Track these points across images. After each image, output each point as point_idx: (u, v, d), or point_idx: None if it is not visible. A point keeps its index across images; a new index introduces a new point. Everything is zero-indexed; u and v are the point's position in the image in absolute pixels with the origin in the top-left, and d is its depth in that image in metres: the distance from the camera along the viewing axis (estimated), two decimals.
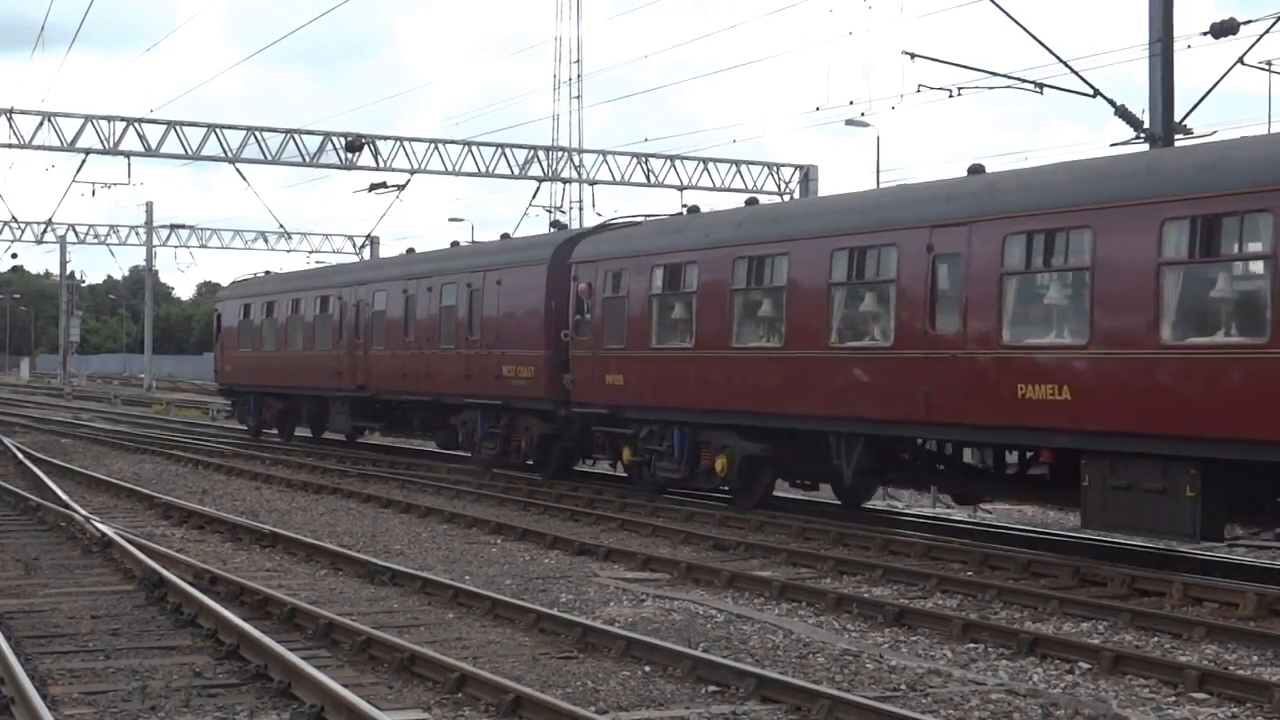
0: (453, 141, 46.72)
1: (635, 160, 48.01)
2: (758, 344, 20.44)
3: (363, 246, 76.21)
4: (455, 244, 34.76)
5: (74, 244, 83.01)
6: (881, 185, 40.06)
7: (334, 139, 44.79)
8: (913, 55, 26.28)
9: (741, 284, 20.69)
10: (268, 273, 43.44)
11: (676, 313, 22.26)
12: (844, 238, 18.94)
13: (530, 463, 26.68)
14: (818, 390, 19.07)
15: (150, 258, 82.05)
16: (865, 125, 46.25)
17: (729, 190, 48.66)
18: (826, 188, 46.97)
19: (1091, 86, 23.75)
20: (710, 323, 21.18)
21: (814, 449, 19.78)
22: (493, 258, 28.06)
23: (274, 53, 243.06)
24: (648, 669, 10.86)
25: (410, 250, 35.28)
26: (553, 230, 28.46)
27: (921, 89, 26.67)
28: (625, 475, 24.57)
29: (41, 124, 41.91)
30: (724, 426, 21.02)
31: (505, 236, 33.34)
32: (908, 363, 17.66)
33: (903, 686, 10.52)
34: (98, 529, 17.70)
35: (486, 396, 27.07)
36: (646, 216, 25.81)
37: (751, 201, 24.22)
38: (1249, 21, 22.31)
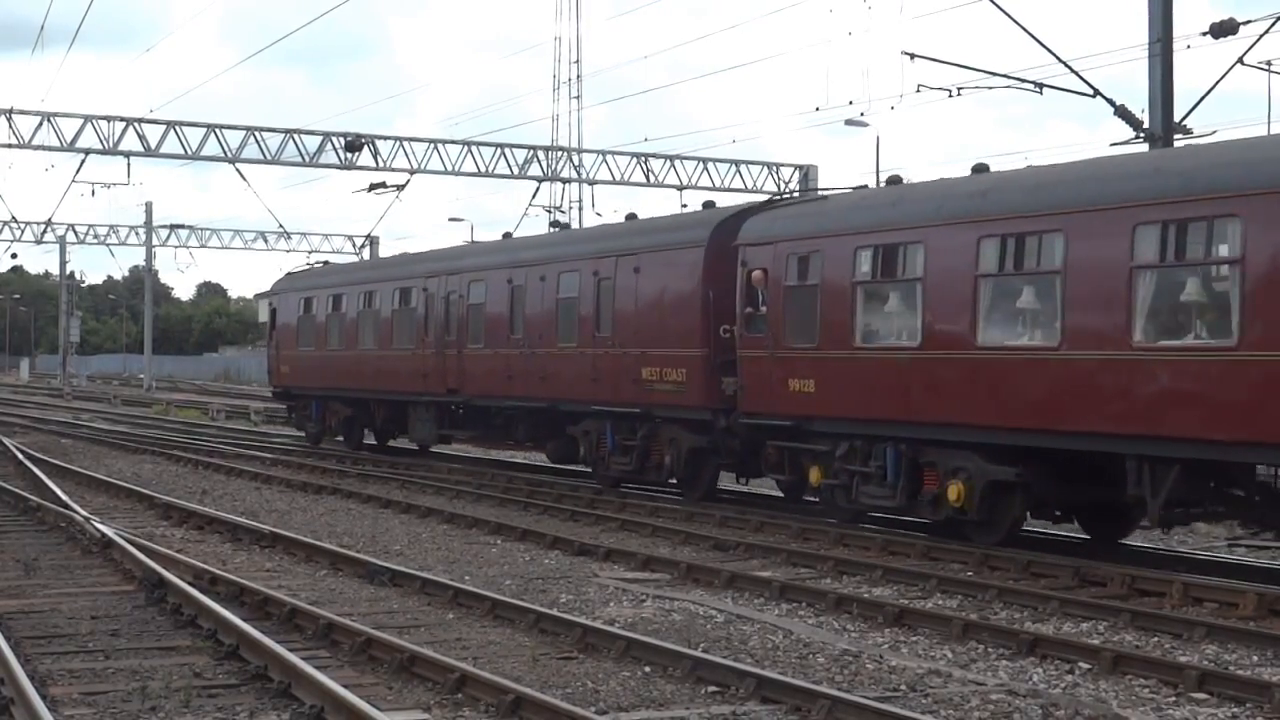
0: (452, 141, 46.74)
1: (635, 160, 48.01)
2: (1016, 342, 16.74)
3: (362, 246, 76.18)
4: (508, 234, 32.20)
5: (74, 244, 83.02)
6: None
7: (334, 139, 44.79)
8: (912, 55, 26.30)
9: (992, 268, 16.87)
10: (325, 263, 39.77)
11: (892, 304, 18.51)
12: (1154, 208, 15.09)
13: (673, 481, 22.98)
14: (1113, 402, 15.30)
15: (150, 258, 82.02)
16: (865, 125, 46.24)
17: (729, 190, 48.66)
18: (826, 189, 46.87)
19: (1091, 86, 23.77)
20: (945, 316, 17.42)
21: (1091, 475, 16.46)
22: (630, 240, 23.99)
23: (269, 53, 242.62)
24: (648, 669, 10.86)
25: (506, 235, 31.85)
26: (701, 209, 23.88)
27: (921, 89, 26.68)
28: (809, 499, 21.18)
29: (41, 124, 41.90)
30: (960, 445, 17.32)
31: (507, 235, 32.46)
32: (1262, 367, 14.01)
33: (903, 687, 10.52)
34: (98, 529, 17.70)
35: (619, 403, 23.28)
36: (822, 191, 22.21)
37: (894, 180, 20.46)
38: (1249, 21, 22.33)
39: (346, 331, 33.49)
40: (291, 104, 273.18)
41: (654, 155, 48.14)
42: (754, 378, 20.37)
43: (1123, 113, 23.37)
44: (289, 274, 39.30)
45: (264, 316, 44.12)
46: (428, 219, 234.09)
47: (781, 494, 22.52)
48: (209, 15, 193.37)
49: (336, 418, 34.69)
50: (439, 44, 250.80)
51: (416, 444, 32.62)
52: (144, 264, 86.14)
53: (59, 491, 22.56)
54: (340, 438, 34.84)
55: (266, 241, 77.52)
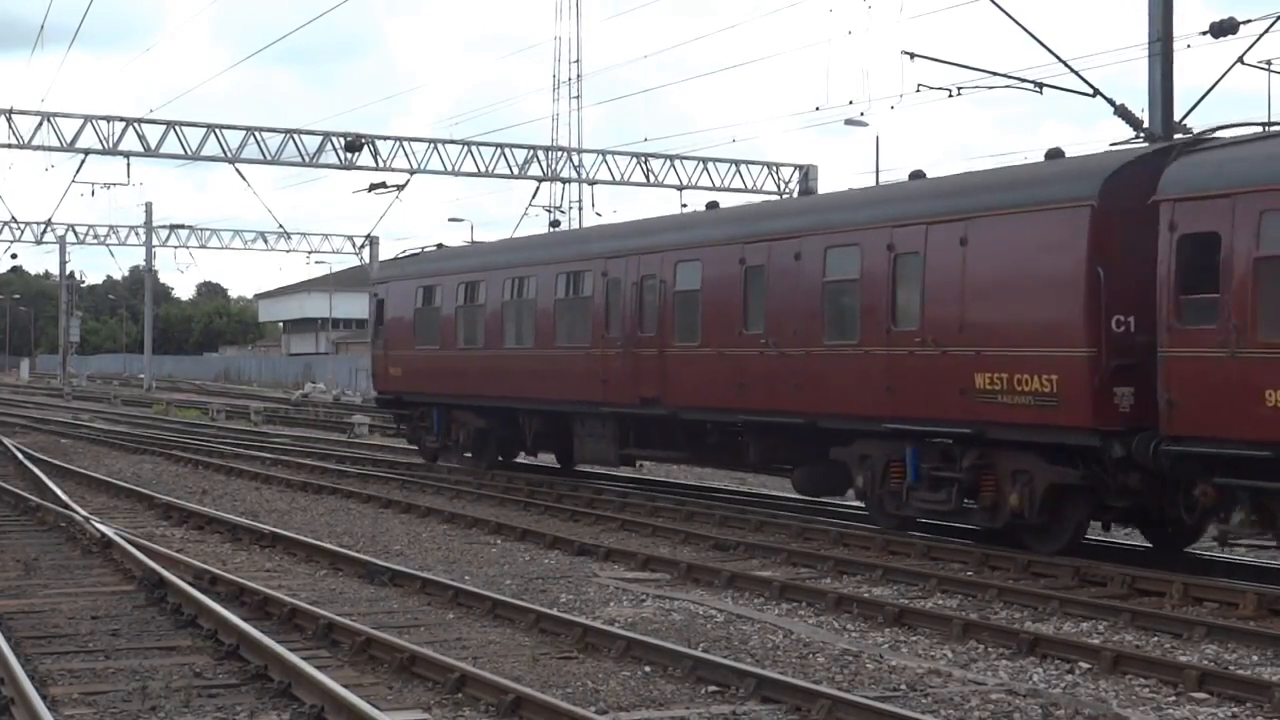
0: (452, 141, 46.73)
1: (635, 160, 48.01)
2: None
3: (362, 246, 76.26)
4: (713, 204, 25.37)
5: (73, 244, 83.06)
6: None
7: (333, 139, 44.79)
8: (912, 55, 26.27)
9: None
10: (439, 246, 33.13)
11: None
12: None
13: (1020, 522, 16.90)
14: None
15: (150, 258, 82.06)
16: (864, 125, 46.23)
17: (729, 190, 48.66)
18: (826, 188, 46.92)
19: (1091, 86, 23.74)
20: None
21: None
22: (952, 201, 18.10)
23: (263, 52, 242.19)
24: (648, 669, 10.87)
25: (711, 206, 25.03)
26: (1045, 158, 17.77)
27: (921, 89, 26.66)
28: None
29: (41, 124, 41.89)
30: None
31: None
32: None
33: (903, 686, 10.52)
34: (98, 529, 17.70)
35: (933, 420, 17.60)
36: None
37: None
38: (1249, 21, 22.31)
39: (485, 326, 27.59)
40: (287, 104, 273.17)
41: (654, 155, 48.14)
42: (1194, 387, 14.78)
43: (1123, 112, 23.35)
44: (400, 258, 33.04)
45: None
46: (426, 219, 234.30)
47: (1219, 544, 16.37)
48: (202, 16, 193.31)
49: (465, 430, 28.76)
50: (434, 44, 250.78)
51: (585, 463, 26.55)
52: (144, 264, 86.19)
53: (59, 491, 22.56)
54: (469, 454, 28.98)
55: (266, 241, 77.56)
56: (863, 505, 19.46)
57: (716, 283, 21.38)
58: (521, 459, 29.33)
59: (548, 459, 29.23)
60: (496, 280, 27.36)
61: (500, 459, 28.65)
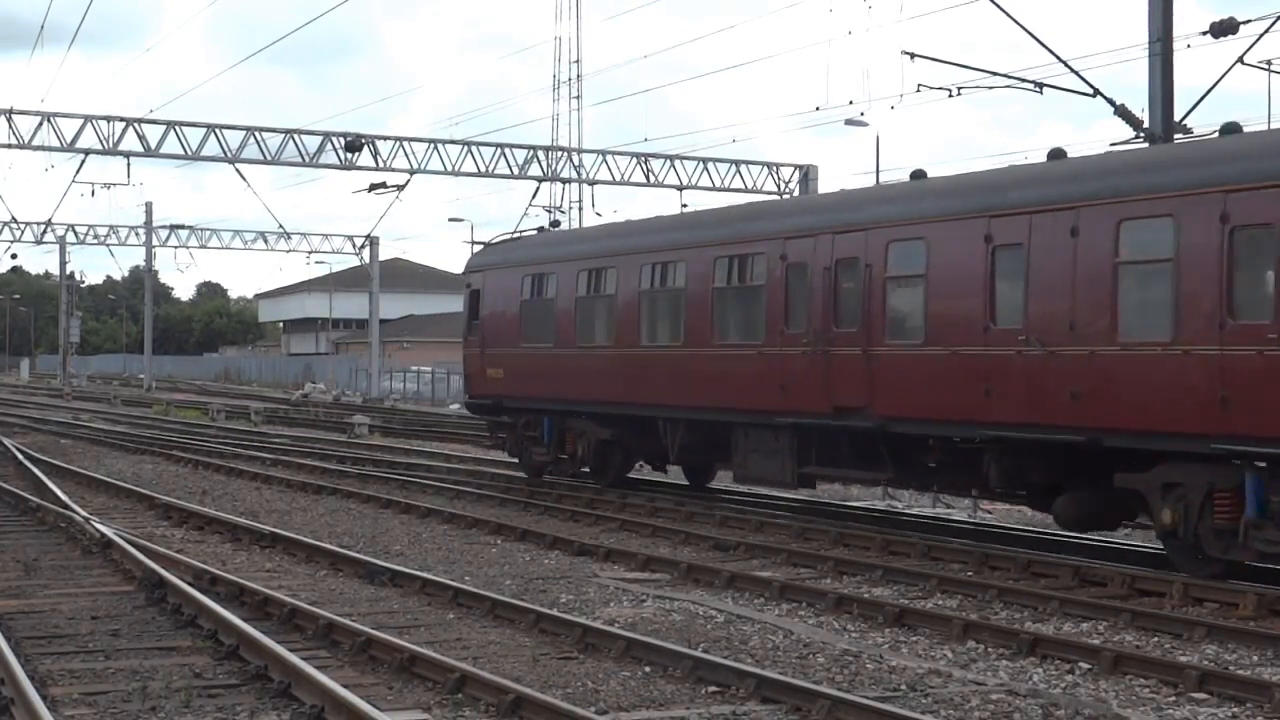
0: (452, 141, 46.74)
1: (635, 160, 48.01)
2: None
3: (362, 247, 76.28)
4: (918, 173, 19.90)
5: (74, 244, 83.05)
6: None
7: (334, 139, 44.80)
8: (912, 55, 26.28)
9: None
10: (546, 227, 29.25)
11: None
12: None
13: None
14: None
15: (150, 258, 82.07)
16: (864, 125, 46.24)
17: (729, 190, 48.67)
18: (826, 188, 46.93)
19: (1091, 86, 23.75)
20: None
21: None
22: None
23: (261, 53, 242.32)
24: (648, 669, 10.87)
25: (917, 175, 19.76)
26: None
27: (921, 89, 26.67)
28: None
29: (41, 124, 41.90)
30: None
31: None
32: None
33: (903, 687, 10.52)
34: (97, 530, 17.70)
35: None
36: None
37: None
38: (1248, 21, 22.31)
39: (616, 321, 23.55)
40: (286, 105, 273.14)
41: (654, 155, 48.15)
42: None
43: (1123, 112, 23.36)
44: (500, 242, 28.83)
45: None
46: (424, 219, 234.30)
47: None
48: (199, 16, 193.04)
49: (584, 441, 24.73)
50: (432, 45, 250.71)
51: (746, 482, 22.27)
52: (144, 264, 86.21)
53: (59, 492, 22.56)
54: (586, 468, 25.14)
55: (266, 242, 77.55)
56: (1162, 545, 15.79)
57: (949, 266, 17.49)
58: (640, 474, 26.23)
59: (655, 472, 26.44)
60: (631, 266, 23.31)
61: (619, 469, 24.94)
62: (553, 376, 25.07)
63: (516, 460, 26.98)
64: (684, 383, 21.89)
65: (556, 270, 25.35)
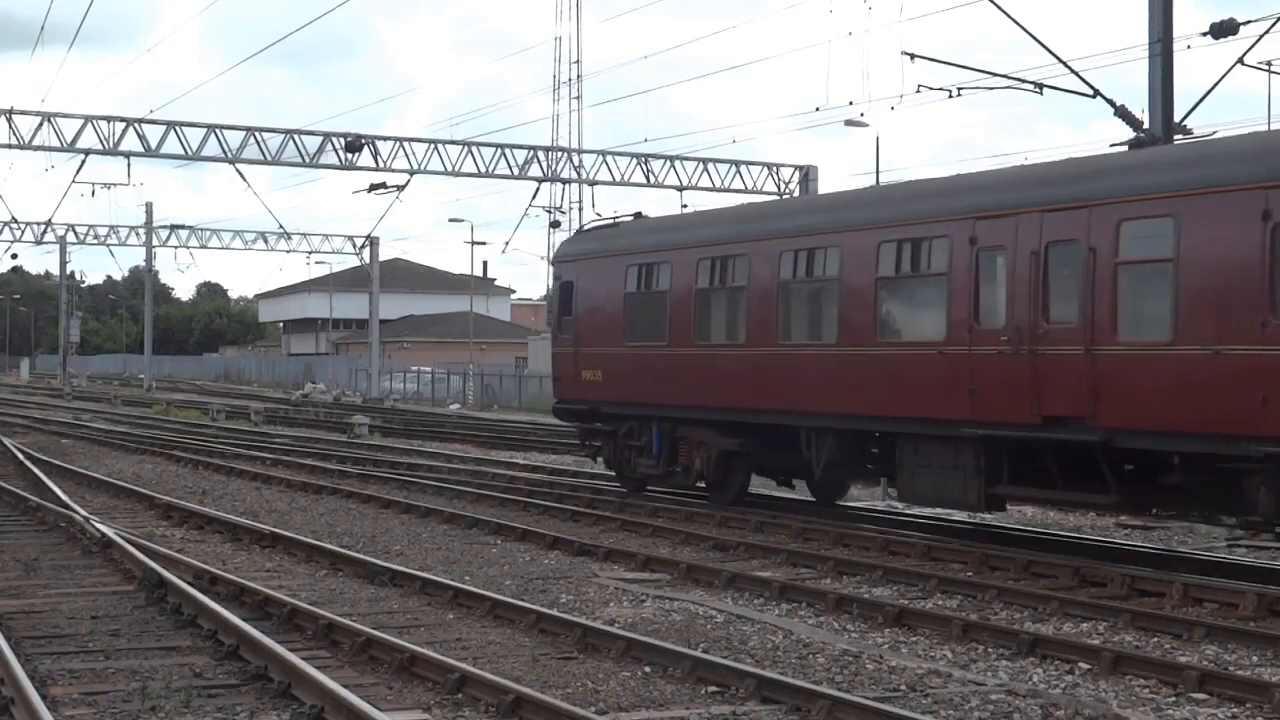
0: (453, 142, 46.73)
1: (635, 160, 48.01)
2: None
3: (362, 247, 76.30)
4: (1138, 140, 18.96)
5: (74, 245, 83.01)
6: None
7: (334, 139, 44.81)
8: (912, 56, 26.26)
9: None
10: (643, 213, 25.61)
11: None
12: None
13: None
14: None
15: (150, 258, 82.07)
16: (864, 125, 46.25)
17: (729, 190, 48.68)
18: (825, 189, 46.95)
19: (1091, 87, 23.74)
20: None
21: None
22: None
23: (258, 54, 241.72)
24: (648, 669, 10.87)
25: (1138, 143, 18.27)
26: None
27: (921, 89, 26.65)
28: None
29: (41, 124, 41.88)
30: None
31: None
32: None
33: (903, 687, 10.52)
34: (98, 529, 17.71)
35: None
36: None
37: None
38: (1249, 21, 22.31)
39: (748, 316, 20.86)
40: (282, 105, 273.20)
41: (654, 155, 48.15)
42: None
43: (1123, 113, 23.36)
44: (597, 228, 25.75)
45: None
46: (424, 220, 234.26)
47: None
48: (196, 17, 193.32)
49: (702, 452, 21.93)
50: (430, 45, 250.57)
51: (916, 502, 19.25)
52: (144, 264, 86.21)
53: (59, 492, 22.56)
54: (702, 482, 22.42)
55: (266, 242, 77.54)
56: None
57: (1209, 248, 14.80)
58: (758, 488, 23.54)
59: (758, 483, 23.49)
60: (767, 254, 20.54)
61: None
62: (665, 379, 22.37)
63: (613, 472, 24.39)
64: (835, 387, 19.16)
65: (671, 259, 22.48)
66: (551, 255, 25.85)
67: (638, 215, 25.30)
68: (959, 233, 17.46)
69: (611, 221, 25.47)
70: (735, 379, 20.92)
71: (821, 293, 19.83)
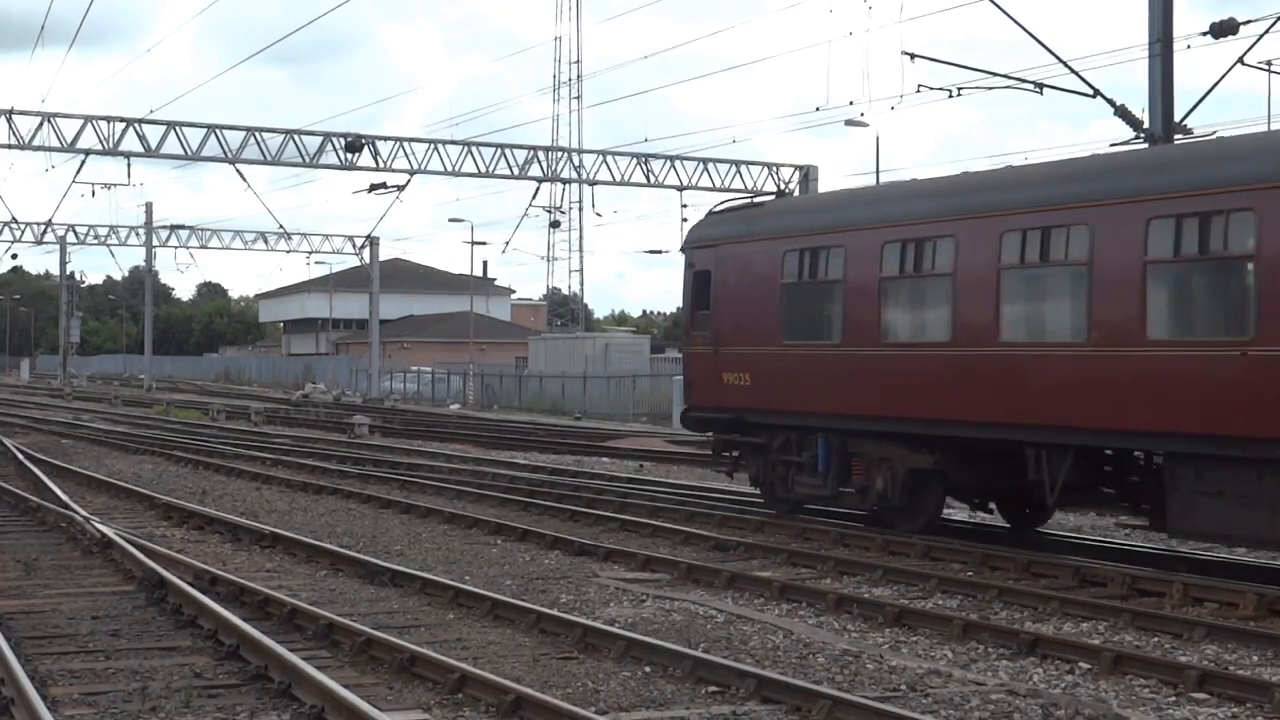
0: (453, 142, 46.72)
1: (635, 160, 48.01)
2: None
3: (362, 247, 76.30)
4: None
5: (74, 245, 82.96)
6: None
7: (334, 139, 44.81)
8: (913, 55, 26.28)
9: None
10: (786, 190, 22.24)
11: None
12: None
13: None
14: None
15: (150, 258, 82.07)
16: (864, 125, 46.27)
17: (729, 190, 48.65)
18: (825, 190, 46.93)
19: (1091, 87, 23.77)
20: None
21: None
22: None
23: (249, 52, 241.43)
24: (648, 669, 10.87)
25: None
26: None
27: (921, 89, 26.66)
28: None
29: (41, 124, 41.87)
30: None
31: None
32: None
33: (903, 687, 10.52)
34: (98, 530, 17.71)
35: None
36: None
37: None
38: (1249, 21, 22.33)
39: (956, 309, 17.51)
40: (280, 106, 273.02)
41: (654, 156, 48.15)
42: None
43: (1123, 113, 23.38)
44: (738, 208, 22.34)
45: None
46: (423, 220, 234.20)
47: None
48: (193, 18, 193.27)
49: (885, 471, 18.63)
50: (428, 45, 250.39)
51: (1192, 536, 15.82)
52: (144, 264, 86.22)
53: (59, 492, 22.56)
54: (877, 506, 18.97)
55: (267, 242, 77.54)
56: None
57: None
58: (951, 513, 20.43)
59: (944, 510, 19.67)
60: (984, 235, 17.15)
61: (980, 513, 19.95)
62: (836, 384, 19.11)
63: (760, 490, 21.07)
64: (1083, 396, 15.84)
65: (845, 243, 19.04)
66: (681, 240, 22.04)
67: (780, 193, 22.57)
68: (1270, 205, 14.00)
69: (749, 201, 22.58)
70: (933, 385, 17.64)
71: (1063, 280, 16.27)
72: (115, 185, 63.98)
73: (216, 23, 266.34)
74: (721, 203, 22.63)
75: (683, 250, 22.61)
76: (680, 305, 23.67)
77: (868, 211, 19.37)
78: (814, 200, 21.76)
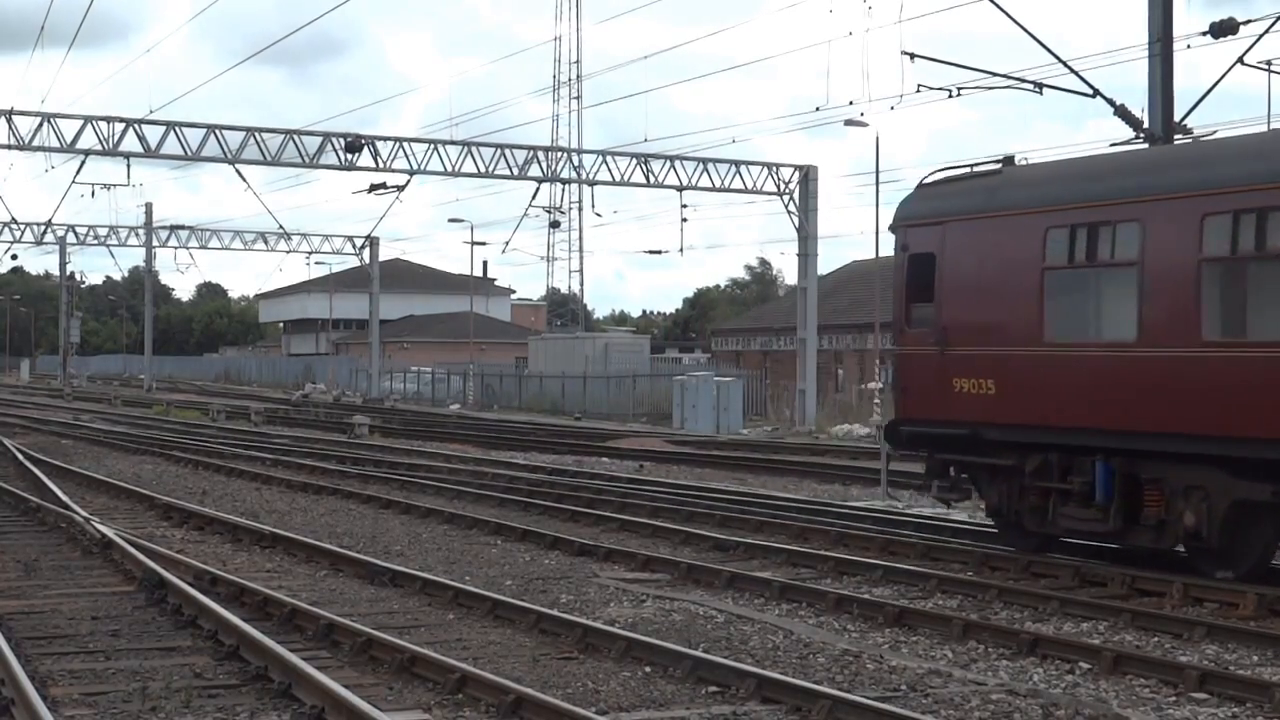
0: (453, 142, 46.78)
1: (635, 160, 48.02)
2: None
3: (362, 247, 76.33)
4: None
5: (74, 245, 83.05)
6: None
7: (334, 139, 44.82)
8: (912, 56, 26.25)
9: None
10: (1004, 161, 17.53)
11: None
12: None
13: None
14: None
15: (150, 259, 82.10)
16: (864, 125, 46.24)
17: (729, 190, 48.72)
18: (825, 190, 46.96)
19: (1091, 86, 23.75)
20: None
21: None
22: None
23: (244, 52, 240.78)
24: (648, 669, 10.87)
25: None
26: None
27: (921, 89, 26.63)
28: None
29: (41, 125, 41.92)
30: None
31: None
32: None
33: (903, 687, 10.52)
34: (98, 530, 17.71)
35: None
36: None
37: None
38: (1249, 21, 22.32)
39: None
40: (278, 106, 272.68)
41: (654, 156, 48.16)
42: None
43: (1123, 113, 23.37)
44: (967, 177, 17.83)
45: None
46: (422, 221, 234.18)
47: None
48: (191, 18, 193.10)
49: (1194, 504, 14.66)
50: (426, 46, 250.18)
51: None
52: (144, 264, 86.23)
53: (59, 492, 22.56)
54: (1180, 546, 15.36)
55: (266, 242, 77.59)
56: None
57: None
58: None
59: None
60: None
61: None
62: (1129, 393, 15.15)
63: (995, 522, 17.29)
64: None
65: (1142, 215, 15.07)
66: (892, 217, 18.53)
67: (1007, 160, 17.60)
68: None
69: (978, 169, 17.86)
70: None
71: None
72: (115, 185, 64.13)
73: (216, 23, 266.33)
74: (936, 170, 18.29)
75: (892, 229, 18.46)
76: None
77: (1181, 175, 15.21)
78: (1091, 163, 17.07)
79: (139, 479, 27.18)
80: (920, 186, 18.30)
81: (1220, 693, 10.31)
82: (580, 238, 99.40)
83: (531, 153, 48.06)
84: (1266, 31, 21.80)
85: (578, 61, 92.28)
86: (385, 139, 45.87)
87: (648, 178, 48.09)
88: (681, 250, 61.35)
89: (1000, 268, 16.62)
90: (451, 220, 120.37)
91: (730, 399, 48.80)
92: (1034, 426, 16.08)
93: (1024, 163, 17.63)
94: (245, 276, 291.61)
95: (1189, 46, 23.80)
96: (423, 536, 19.43)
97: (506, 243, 70.79)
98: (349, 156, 44.59)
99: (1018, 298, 16.33)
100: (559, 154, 50.01)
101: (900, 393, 18.19)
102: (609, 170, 48.09)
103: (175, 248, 79.42)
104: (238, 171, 45.40)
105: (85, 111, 54.03)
